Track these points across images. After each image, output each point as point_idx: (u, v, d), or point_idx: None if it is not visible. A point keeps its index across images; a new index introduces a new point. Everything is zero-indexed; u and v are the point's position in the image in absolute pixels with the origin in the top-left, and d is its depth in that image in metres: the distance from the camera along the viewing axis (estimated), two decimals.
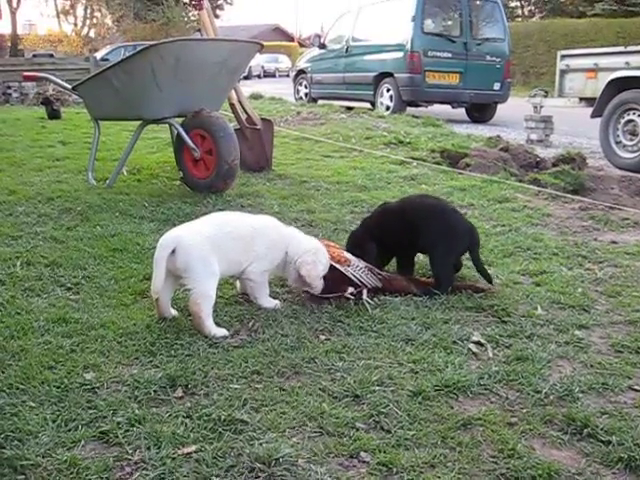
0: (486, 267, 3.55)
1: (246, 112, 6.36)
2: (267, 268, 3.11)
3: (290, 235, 3.20)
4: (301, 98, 16.24)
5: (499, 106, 14.05)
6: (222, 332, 2.79)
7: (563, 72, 9.82)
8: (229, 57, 5.48)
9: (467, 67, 13.33)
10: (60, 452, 1.95)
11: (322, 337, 2.83)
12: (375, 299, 3.25)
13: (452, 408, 2.31)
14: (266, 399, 2.30)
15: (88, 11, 49.65)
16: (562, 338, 2.93)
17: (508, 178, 6.37)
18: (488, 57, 13.57)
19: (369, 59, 14.06)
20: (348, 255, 3.34)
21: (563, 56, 9.91)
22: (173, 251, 2.77)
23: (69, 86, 5.85)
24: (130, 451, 1.98)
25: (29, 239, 3.96)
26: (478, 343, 2.84)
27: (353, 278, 3.20)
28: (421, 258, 3.79)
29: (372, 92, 13.72)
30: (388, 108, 13.15)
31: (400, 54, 13.16)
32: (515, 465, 1.99)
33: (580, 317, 3.17)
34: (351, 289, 3.22)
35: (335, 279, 3.20)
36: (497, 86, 13.61)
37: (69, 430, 2.07)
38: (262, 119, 6.50)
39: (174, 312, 2.95)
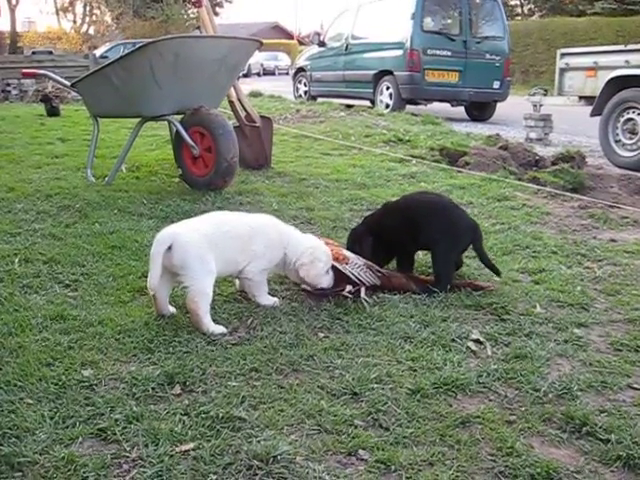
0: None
1: (245, 110, 6.35)
2: (266, 267, 3.10)
3: (289, 234, 3.19)
4: (300, 96, 16.22)
5: (498, 105, 14.04)
6: (220, 329, 2.79)
7: (563, 70, 9.82)
8: (228, 54, 5.47)
9: (466, 65, 13.32)
10: (58, 449, 1.95)
11: (321, 335, 2.83)
12: (374, 297, 3.24)
13: (451, 406, 2.31)
14: (264, 396, 2.29)
15: (87, 8, 49.76)
16: (561, 336, 2.93)
17: (507, 176, 6.36)
18: (488, 55, 13.56)
19: (369, 57, 14.05)
20: (347, 253, 3.33)
21: (563, 54, 9.91)
22: (170, 247, 2.76)
23: (68, 83, 5.84)
24: (128, 448, 1.98)
25: (27, 236, 3.95)
26: (477, 341, 2.84)
27: (351, 276, 3.20)
28: (420, 256, 3.79)
29: (372, 90, 13.72)
30: (387, 106, 13.14)
31: (400, 52, 13.16)
32: (514, 463, 1.99)
33: (579, 315, 3.17)
34: (349, 287, 3.21)
35: (334, 277, 3.20)
36: (496, 84, 13.60)
37: (67, 427, 2.07)
38: (261, 117, 6.49)
39: (172, 309, 2.95)
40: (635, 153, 8.28)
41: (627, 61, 8.62)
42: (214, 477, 1.86)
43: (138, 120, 5.60)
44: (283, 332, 2.81)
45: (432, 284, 3.37)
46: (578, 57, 9.73)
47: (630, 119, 8.40)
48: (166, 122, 5.85)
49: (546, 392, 2.42)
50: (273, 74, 41.95)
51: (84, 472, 1.86)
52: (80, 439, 2.02)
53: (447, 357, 2.65)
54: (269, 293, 3.16)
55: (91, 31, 49.12)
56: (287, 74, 32.10)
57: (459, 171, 6.65)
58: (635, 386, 2.52)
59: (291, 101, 14.19)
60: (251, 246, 3.02)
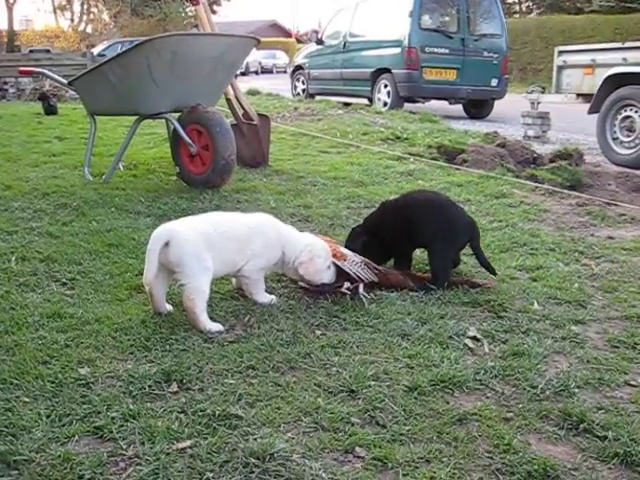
0: None
1: (243, 107, 6.34)
2: (264, 266, 3.10)
3: (287, 233, 3.18)
4: (298, 94, 16.22)
5: (496, 102, 14.04)
6: (217, 327, 2.78)
7: (560, 68, 9.82)
8: (226, 52, 5.46)
9: (464, 63, 13.32)
10: (54, 447, 1.94)
11: (318, 332, 2.82)
12: (371, 294, 3.24)
13: (448, 403, 2.30)
14: (261, 394, 2.29)
15: (85, 7, 49.62)
16: (558, 333, 2.93)
17: (505, 174, 6.36)
18: (485, 53, 13.56)
19: (366, 55, 14.05)
20: (344, 250, 3.33)
21: (561, 52, 9.91)
22: (167, 244, 2.75)
23: (65, 81, 5.84)
24: (124, 446, 1.97)
25: (24, 234, 3.94)
26: (474, 338, 2.83)
27: (350, 272, 3.19)
28: (417, 254, 3.78)
29: (369, 88, 13.72)
30: (385, 104, 13.15)
31: (397, 50, 13.16)
32: (511, 460, 1.98)
33: (576, 312, 3.17)
34: (347, 284, 3.21)
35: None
36: (494, 82, 13.60)
37: (63, 425, 2.06)
38: (259, 114, 6.49)
39: (169, 307, 2.94)
40: (632, 151, 8.28)
41: (625, 59, 8.62)
42: (211, 475, 1.86)
43: (135, 118, 5.59)
44: (280, 330, 2.81)
45: (429, 281, 3.37)
46: (576, 55, 9.73)
47: (627, 117, 8.40)
48: (163, 120, 5.85)
49: (543, 389, 2.41)
50: (271, 72, 41.94)
51: (80, 470, 1.85)
52: (76, 437, 2.01)
53: (444, 354, 2.64)
54: (266, 291, 3.16)
55: (89, 29, 49.03)
56: (285, 72, 32.12)
57: (457, 169, 6.65)
58: (632, 383, 2.52)
59: (289, 99, 14.18)
60: (249, 246, 3.02)
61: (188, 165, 5.39)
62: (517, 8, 43.17)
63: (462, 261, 3.71)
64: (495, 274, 3.48)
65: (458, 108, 14.22)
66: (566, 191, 5.89)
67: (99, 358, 2.51)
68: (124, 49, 5.50)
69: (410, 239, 3.53)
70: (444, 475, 1.90)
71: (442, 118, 10.94)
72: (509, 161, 7.15)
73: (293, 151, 7.41)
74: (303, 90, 16.19)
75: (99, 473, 1.85)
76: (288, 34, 60.95)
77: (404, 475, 1.90)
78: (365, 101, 13.78)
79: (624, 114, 8.44)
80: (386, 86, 13.35)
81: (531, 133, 10.26)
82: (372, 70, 13.60)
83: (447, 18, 13.90)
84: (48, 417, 2.09)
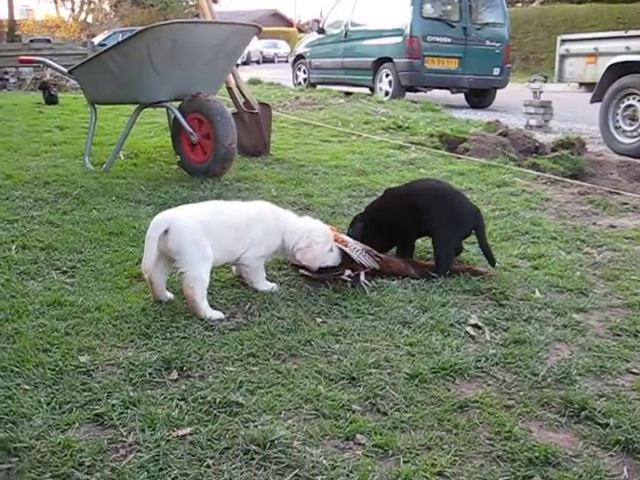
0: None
1: (244, 96, 6.32)
2: (263, 254, 3.09)
3: (287, 220, 3.16)
4: (300, 83, 16.16)
5: (498, 92, 13.99)
6: (218, 315, 2.77)
7: (563, 57, 9.78)
8: (227, 40, 5.44)
9: (466, 52, 13.27)
10: (54, 434, 1.94)
11: (318, 320, 2.82)
12: (372, 282, 3.23)
13: (449, 391, 2.30)
14: (262, 381, 2.29)
15: None
16: (560, 321, 2.92)
17: (507, 163, 6.34)
18: (488, 42, 13.50)
19: (368, 44, 13.99)
20: (346, 237, 3.31)
21: (563, 41, 9.86)
22: (166, 231, 2.74)
23: (65, 70, 5.82)
24: (125, 433, 1.97)
25: (25, 223, 3.93)
26: (475, 326, 2.83)
27: (353, 256, 3.17)
28: (419, 242, 3.77)
29: (371, 77, 13.66)
30: (387, 93, 13.10)
31: (399, 39, 13.10)
32: (512, 447, 1.98)
33: (578, 300, 3.16)
34: (348, 272, 3.20)
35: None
36: (496, 71, 13.56)
37: (63, 412, 2.06)
38: (260, 103, 6.46)
39: (170, 295, 2.93)
40: (635, 140, 8.25)
41: (627, 47, 8.57)
42: (211, 462, 1.86)
43: (136, 107, 5.58)
44: (281, 317, 2.80)
45: (432, 269, 3.36)
46: (578, 43, 9.68)
47: (630, 105, 8.37)
48: (164, 109, 5.83)
49: (545, 377, 2.41)
50: (272, 62, 41.80)
51: (80, 457, 1.85)
52: (77, 424, 2.01)
53: (445, 342, 2.64)
54: (267, 279, 3.15)
55: (89, 19, 48.95)
56: (286, 62, 32.03)
57: (458, 157, 6.63)
58: (634, 371, 2.52)
59: (290, 88, 14.13)
60: (248, 234, 3.00)
61: (189, 154, 5.38)
62: None
63: (464, 249, 3.70)
64: (494, 265, 3.45)
65: (460, 97, 14.18)
66: (568, 180, 5.87)
67: (99, 346, 2.51)
68: (125, 37, 5.48)
69: (414, 227, 3.51)
70: (445, 462, 1.90)
71: (444, 107, 10.89)
72: (511, 150, 7.13)
73: (294, 140, 7.39)
74: (304, 79, 16.13)
75: (99, 460, 1.85)
76: (289, 23, 60.73)
77: (405, 462, 1.90)
78: (366, 90, 13.72)
79: (627, 103, 8.40)
80: (387, 75, 13.30)
81: (533, 122, 10.22)
82: (374, 59, 13.55)
83: (449, 7, 13.83)
84: (48, 404, 2.09)
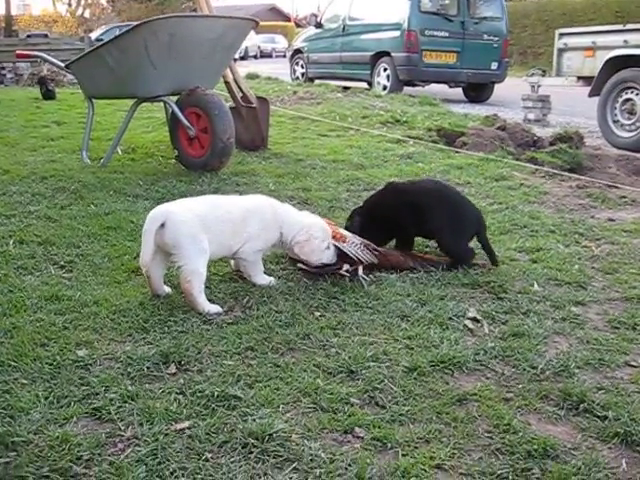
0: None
1: (242, 90, 6.30)
2: (261, 248, 3.08)
3: (285, 214, 3.15)
4: (298, 78, 16.13)
5: (496, 86, 13.98)
6: (216, 309, 2.77)
7: (561, 51, 9.76)
8: (224, 34, 5.42)
9: (464, 46, 13.25)
10: (52, 429, 1.94)
11: (317, 313, 2.81)
12: (370, 276, 3.22)
13: (447, 384, 2.30)
14: (260, 375, 2.28)
15: None
16: (558, 314, 2.92)
17: (505, 156, 6.33)
18: (485, 36, 13.49)
19: (366, 38, 13.96)
20: (344, 232, 3.31)
21: (561, 34, 9.84)
22: (163, 225, 2.74)
23: (62, 64, 5.80)
24: (123, 427, 1.97)
25: (22, 218, 3.92)
26: (474, 319, 2.83)
27: (350, 254, 3.17)
28: (419, 241, 3.76)
29: (369, 71, 13.65)
30: (385, 88, 13.08)
31: (397, 33, 13.08)
32: (510, 440, 1.98)
33: (577, 294, 3.16)
34: (347, 266, 3.19)
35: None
36: (494, 66, 13.54)
37: (61, 407, 2.06)
38: (258, 98, 6.45)
39: (167, 289, 2.93)
40: (633, 133, 8.25)
41: (626, 41, 8.56)
42: (209, 455, 1.85)
43: (133, 101, 5.56)
44: (279, 311, 2.80)
45: (450, 264, 3.36)
46: (576, 37, 9.66)
47: (628, 99, 8.36)
48: (162, 103, 5.82)
49: (543, 369, 2.41)
50: (270, 56, 41.70)
51: (78, 451, 1.84)
52: (75, 419, 2.00)
53: (444, 335, 2.64)
54: (265, 272, 3.15)
55: (86, 14, 48.74)
56: (284, 56, 31.91)
57: (457, 151, 6.63)
58: (632, 363, 2.52)
59: (288, 83, 14.12)
60: (245, 228, 2.99)
61: (187, 148, 5.37)
62: None
63: None
64: (496, 265, 3.45)
65: (458, 92, 14.16)
66: (566, 173, 5.87)
67: (97, 340, 2.50)
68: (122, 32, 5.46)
69: (414, 226, 3.50)
70: (443, 455, 1.90)
71: (442, 101, 10.90)
72: (509, 144, 7.12)
73: (292, 134, 7.38)
74: (302, 74, 16.10)
75: (97, 454, 1.85)
76: (287, 18, 60.63)
77: (403, 455, 1.89)
78: (364, 85, 13.72)
79: (625, 97, 8.39)
80: (385, 69, 13.29)
81: (531, 116, 10.21)
82: (371, 53, 13.53)
83: (447, 1, 13.77)
84: (46, 399, 2.09)
